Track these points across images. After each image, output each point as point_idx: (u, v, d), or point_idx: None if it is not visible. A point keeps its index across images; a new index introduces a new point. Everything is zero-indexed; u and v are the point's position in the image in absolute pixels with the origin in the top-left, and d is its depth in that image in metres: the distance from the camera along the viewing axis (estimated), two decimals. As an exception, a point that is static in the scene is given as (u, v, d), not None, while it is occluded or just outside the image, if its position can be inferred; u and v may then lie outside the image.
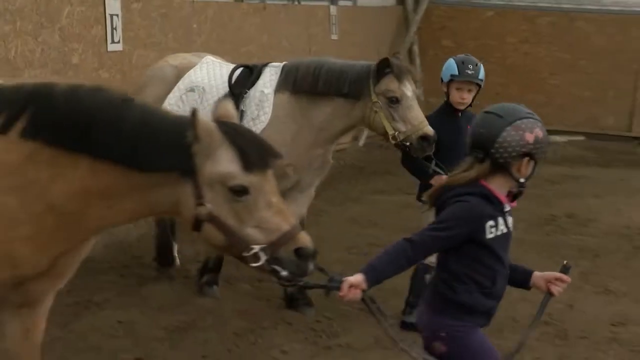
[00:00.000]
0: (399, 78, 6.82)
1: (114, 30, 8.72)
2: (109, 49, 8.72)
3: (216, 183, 3.87)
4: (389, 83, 6.80)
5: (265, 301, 7.73)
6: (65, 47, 8.34)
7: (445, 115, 7.01)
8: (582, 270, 8.48)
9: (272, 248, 3.89)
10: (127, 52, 9.05)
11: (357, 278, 4.10)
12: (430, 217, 4.72)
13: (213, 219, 3.89)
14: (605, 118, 16.53)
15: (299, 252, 3.92)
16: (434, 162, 6.74)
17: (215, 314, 7.09)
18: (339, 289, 4.08)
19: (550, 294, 4.44)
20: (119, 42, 8.84)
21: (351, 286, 4.08)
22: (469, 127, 6.89)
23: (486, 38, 17.42)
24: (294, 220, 4.01)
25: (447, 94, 7.06)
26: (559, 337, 7.43)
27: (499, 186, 4.31)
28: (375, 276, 4.19)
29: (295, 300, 7.37)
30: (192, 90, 7.31)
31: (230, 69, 7.35)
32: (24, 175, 3.83)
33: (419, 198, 6.87)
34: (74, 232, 4.03)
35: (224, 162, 3.86)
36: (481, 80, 7.03)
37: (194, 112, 3.82)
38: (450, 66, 7.05)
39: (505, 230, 4.37)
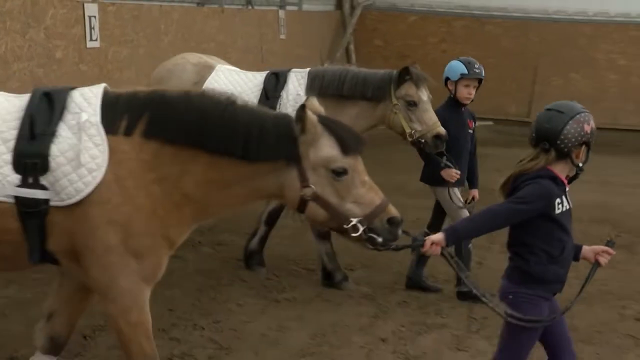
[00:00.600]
0: (417, 84, 6.77)
1: (92, 30, 8.61)
2: (87, 46, 8.61)
3: (320, 167, 3.89)
4: (408, 89, 6.75)
5: (224, 262, 7.70)
6: (49, 44, 8.24)
7: (451, 110, 6.95)
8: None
9: (368, 219, 3.92)
10: (104, 48, 8.94)
11: (438, 237, 4.16)
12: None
13: (317, 198, 3.90)
14: (509, 106, 16.65)
15: (391, 221, 3.95)
16: (445, 157, 6.72)
17: (180, 273, 7.02)
18: (422, 246, 4.14)
19: (597, 264, 4.46)
20: (96, 40, 8.73)
21: (432, 243, 4.13)
22: (469, 121, 7.10)
23: (410, 39, 17.46)
24: (382, 194, 4.00)
25: (454, 91, 6.98)
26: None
27: (560, 170, 4.35)
28: (455, 237, 4.30)
29: (250, 259, 7.39)
30: None
31: (256, 75, 7.22)
32: (158, 170, 3.82)
33: (422, 179, 7.13)
34: (201, 217, 4.08)
35: (327, 148, 3.89)
36: (483, 77, 7.05)
37: (303, 108, 3.85)
38: (459, 66, 6.97)
39: (568, 207, 4.43)
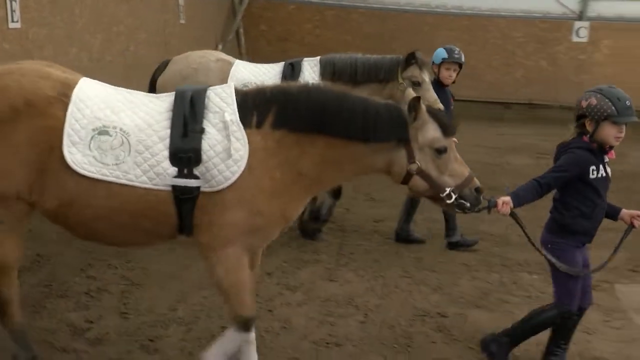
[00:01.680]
0: (421, 67, 6.75)
1: (13, 12, 8.09)
2: (9, 27, 8.09)
3: (425, 146, 3.91)
4: (413, 70, 6.72)
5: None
6: (-26, 25, 7.72)
7: (436, 90, 6.83)
8: (354, 184, 8.48)
9: (459, 189, 3.98)
10: (24, 29, 8.40)
11: (506, 199, 4.28)
12: None
13: (421, 172, 3.93)
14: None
15: (477, 190, 4.03)
16: None
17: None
18: (495, 205, 4.23)
19: (632, 226, 4.50)
20: (17, 21, 8.21)
21: (503, 203, 4.25)
22: (451, 99, 7.08)
23: (290, 24, 17.39)
24: (469, 168, 4.06)
25: (438, 73, 7.07)
26: (340, 230, 7.46)
27: (600, 141, 4.38)
28: (517, 200, 4.34)
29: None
30: (245, 86, 6.87)
31: (273, 66, 7.04)
32: (280, 155, 3.77)
33: None
34: (314, 191, 4.08)
35: (432, 132, 3.92)
36: (463, 62, 7.10)
37: (418, 99, 3.88)
38: (441, 52, 7.08)
39: (604, 175, 4.44)
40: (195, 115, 3.71)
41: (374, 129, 3.83)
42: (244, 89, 3.95)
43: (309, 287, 5.90)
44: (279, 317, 5.32)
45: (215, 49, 15.57)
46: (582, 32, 16.57)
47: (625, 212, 4.53)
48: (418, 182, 3.96)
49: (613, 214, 4.57)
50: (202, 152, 3.65)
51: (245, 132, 3.72)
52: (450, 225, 7.09)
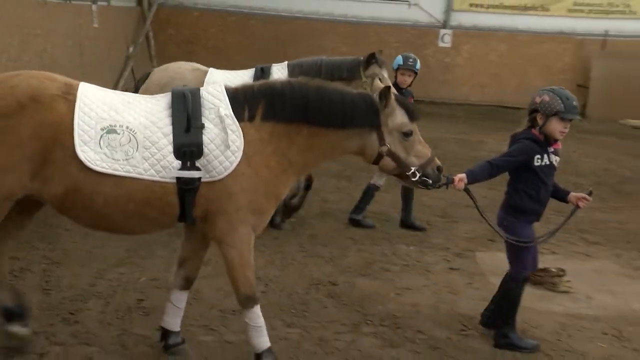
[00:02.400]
0: (381, 66, 6.69)
1: None
2: None
3: (394, 130, 3.93)
4: (374, 69, 6.66)
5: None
6: None
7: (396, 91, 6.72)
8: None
9: (423, 168, 4.01)
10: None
11: (462, 176, 4.29)
12: None
13: (391, 154, 3.94)
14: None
15: (438, 169, 4.06)
16: None
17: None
18: (452, 182, 4.21)
19: (577, 206, 4.53)
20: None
21: (459, 180, 4.26)
22: (410, 98, 6.90)
23: (195, 29, 17.08)
24: (430, 149, 4.09)
25: (395, 78, 7.05)
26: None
27: (547, 134, 4.43)
28: (472, 177, 4.36)
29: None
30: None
31: (245, 72, 6.80)
32: (272, 145, 3.76)
33: None
34: (299, 175, 4.14)
35: (400, 117, 3.94)
36: (417, 69, 7.11)
37: (389, 88, 3.92)
38: (398, 59, 7.10)
39: (548, 163, 4.46)
40: (194, 112, 3.67)
41: (351, 116, 3.84)
42: (233, 87, 3.90)
43: (217, 261, 5.80)
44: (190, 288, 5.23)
45: (127, 51, 15.16)
46: (446, 39, 17.01)
47: (572, 195, 4.61)
48: (388, 162, 3.97)
49: (563, 196, 4.65)
50: (204, 146, 3.61)
51: (240, 125, 3.69)
52: (407, 208, 7.11)
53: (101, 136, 3.52)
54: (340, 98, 3.86)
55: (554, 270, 5.73)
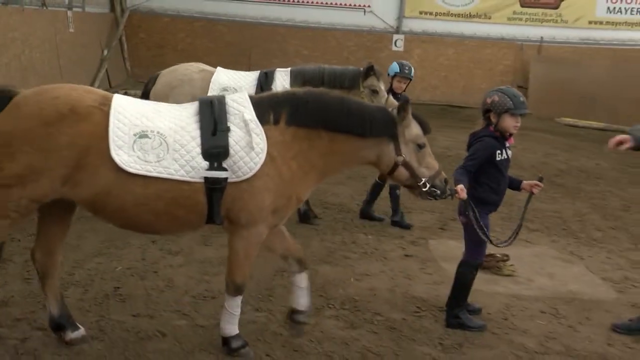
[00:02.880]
0: (378, 78, 6.61)
1: None
2: None
3: (410, 142, 3.93)
4: (372, 80, 6.57)
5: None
6: None
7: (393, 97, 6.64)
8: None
9: (432, 179, 3.99)
10: None
11: (461, 186, 4.25)
12: None
13: (405, 164, 3.93)
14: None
15: (444, 180, 4.05)
16: None
17: None
18: (456, 192, 4.19)
19: (532, 193, 4.56)
20: None
21: (460, 190, 4.23)
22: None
23: (165, 33, 16.87)
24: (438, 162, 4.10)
25: (391, 84, 6.93)
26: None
27: (502, 130, 4.46)
28: (464, 184, 4.29)
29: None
30: (225, 90, 6.37)
31: (249, 73, 6.71)
32: (295, 148, 3.75)
33: None
34: (320, 179, 4.01)
35: (415, 129, 3.94)
36: (412, 77, 7.01)
37: (407, 101, 3.94)
38: (395, 66, 6.99)
39: (506, 157, 4.50)
40: (220, 117, 3.67)
41: (370, 126, 3.83)
42: (258, 95, 3.92)
43: (188, 251, 5.76)
44: (163, 277, 5.16)
45: (102, 54, 14.90)
46: (399, 43, 17.09)
47: (525, 183, 4.65)
48: (402, 172, 3.96)
49: (517, 185, 4.68)
50: (230, 147, 3.60)
51: (264, 128, 3.68)
52: (395, 208, 7.00)
53: (134, 141, 3.52)
54: (358, 108, 3.89)
55: (498, 255, 5.81)
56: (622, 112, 14.48)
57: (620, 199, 8.74)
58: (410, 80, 7.05)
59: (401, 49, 16.94)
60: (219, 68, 6.77)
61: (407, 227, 6.88)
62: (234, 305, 3.95)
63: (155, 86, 6.74)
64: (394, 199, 6.97)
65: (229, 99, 3.79)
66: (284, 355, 4.13)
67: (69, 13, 13.41)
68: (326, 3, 16.99)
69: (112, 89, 14.46)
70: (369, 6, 17.00)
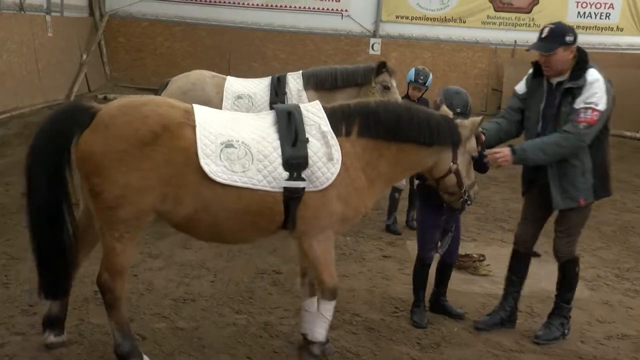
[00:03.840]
0: (390, 74, 6.67)
1: None
2: None
3: (466, 152, 4.00)
4: (384, 77, 6.65)
5: (13, 197, 6.90)
6: None
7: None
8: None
9: (469, 188, 4.09)
10: None
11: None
12: None
13: (457, 172, 3.98)
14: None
15: (476, 191, 4.17)
16: None
17: None
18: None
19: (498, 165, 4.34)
20: None
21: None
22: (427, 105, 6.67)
23: (144, 37, 16.67)
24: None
25: (407, 90, 6.87)
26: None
27: None
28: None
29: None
30: (240, 97, 6.36)
31: (261, 80, 6.65)
32: (365, 158, 3.77)
33: None
34: (386, 186, 4.09)
35: (473, 142, 4.03)
36: (428, 85, 6.86)
37: (482, 119, 4.06)
38: (411, 74, 6.86)
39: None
40: (299, 128, 3.67)
41: (437, 135, 3.87)
42: (331, 105, 3.90)
43: (168, 254, 5.72)
44: (143, 280, 5.11)
45: (81, 58, 14.74)
46: (376, 47, 17.11)
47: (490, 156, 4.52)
48: (452, 179, 4.01)
49: (484, 168, 4.56)
50: (309, 158, 3.61)
51: (337, 139, 3.69)
52: (391, 211, 6.93)
53: (221, 150, 3.52)
54: (426, 117, 3.89)
55: (475, 255, 5.85)
56: (593, 114, 14.66)
57: (592, 199, 8.82)
58: (427, 88, 6.93)
59: (378, 52, 16.96)
60: (229, 77, 6.75)
61: (399, 232, 6.85)
62: (329, 309, 3.89)
63: (166, 91, 6.65)
64: (393, 201, 6.95)
65: (304, 109, 3.79)
66: (265, 356, 4.12)
67: (48, 17, 13.26)
68: (304, 7, 16.96)
69: (91, 92, 14.31)
70: (346, 10, 17.01)
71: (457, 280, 5.44)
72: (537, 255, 5.44)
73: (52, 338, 3.94)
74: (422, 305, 4.78)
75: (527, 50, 4.50)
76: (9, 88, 11.19)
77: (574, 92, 4.21)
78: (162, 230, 6.18)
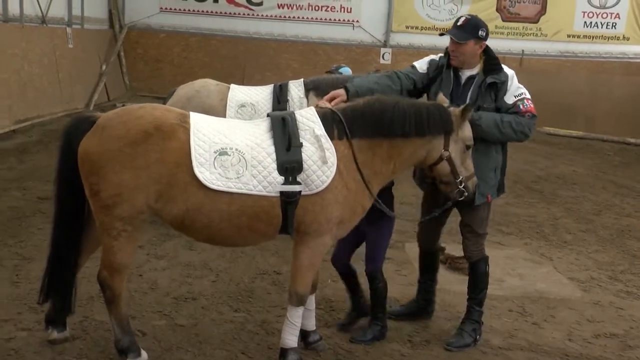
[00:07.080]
0: None
1: None
2: None
3: (459, 140, 3.92)
4: None
5: (29, 201, 7.01)
6: None
7: None
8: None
9: (466, 179, 3.99)
10: None
11: None
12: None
13: (449, 159, 3.91)
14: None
15: (475, 182, 4.07)
16: None
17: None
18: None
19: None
20: None
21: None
22: None
23: (162, 49, 16.94)
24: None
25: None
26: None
27: None
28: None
29: None
30: (243, 106, 6.37)
31: (264, 88, 6.62)
32: (359, 159, 3.74)
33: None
34: (382, 184, 3.98)
35: (468, 131, 3.96)
36: None
37: (470, 105, 3.96)
38: None
39: None
40: (293, 133, 3.68)
41: (428, 125, 3.81)
42: (322, 110, 3.87)
43: (172, 255, 5.79)
44: (147, 279, 5.19)
45: (101, 68, 14.96)
46: (386, 56, 17.18)
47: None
48: (444, 166, 3.93)
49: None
50: (303, 162, 3.62)
51: (332, 142, 3.70)
52: None
53: (215, 158, 3.55)
54: (414, 109, 3.83)
55: (470, 257, 5.83)
56: (599, 121, 14.59)
57: (592, 204, 8.80)
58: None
59: (389, 62, 17.02)
60: (233, 85, 6.76)
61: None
62: (296, 316, 3.89)
63: (172, 98, 6.71)
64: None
65: (298, 115, 3.80)
66: (259, 352, 4.17)
67: (68, 30, 13.49)
68: (316, 18, 17.09)
69: (111, 101, 14.52)
70: (357, 21, 17.11)
71: (452, 281, 5.46)
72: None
73: (55, 334, 4.03)
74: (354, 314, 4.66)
75: (441, 34, 4.40)
76: (30, 99, 11.41)
77: (497, 87, 4.18)
78: (167, 233, 6.27)
